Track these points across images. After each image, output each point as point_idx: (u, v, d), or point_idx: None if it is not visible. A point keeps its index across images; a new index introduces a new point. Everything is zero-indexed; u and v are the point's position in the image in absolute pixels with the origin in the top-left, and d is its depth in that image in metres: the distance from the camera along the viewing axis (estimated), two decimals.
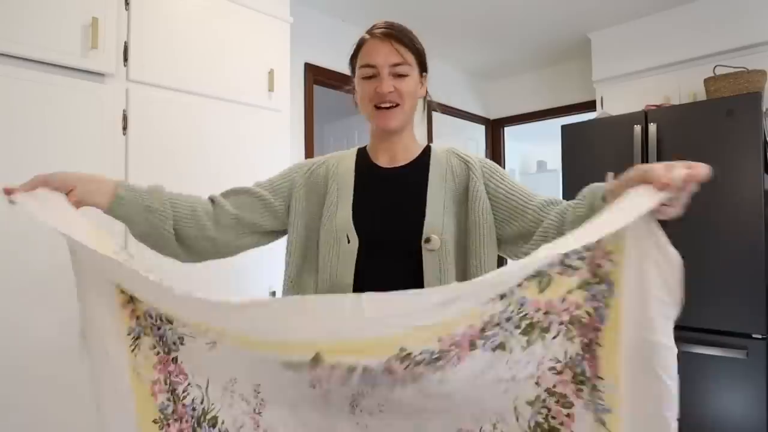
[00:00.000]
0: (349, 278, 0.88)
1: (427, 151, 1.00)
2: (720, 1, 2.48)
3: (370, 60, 0.90)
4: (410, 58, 0.92)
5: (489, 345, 0.63)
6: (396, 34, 0.90)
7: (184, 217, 0.88)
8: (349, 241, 0.89)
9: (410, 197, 0.93)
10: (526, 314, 0.64)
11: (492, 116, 3.99)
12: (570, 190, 2.57)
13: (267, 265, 1.80)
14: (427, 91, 1.03)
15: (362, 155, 1.02)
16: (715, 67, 2.36)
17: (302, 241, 0.96)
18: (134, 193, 0.85)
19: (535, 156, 6.50)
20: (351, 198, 0.94)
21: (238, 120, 1.75)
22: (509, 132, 4.10)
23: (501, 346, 0.64)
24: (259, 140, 1.81)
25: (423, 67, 0.97)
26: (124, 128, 1.47)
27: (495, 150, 4.00)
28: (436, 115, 3.46)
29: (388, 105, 0.90)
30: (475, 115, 3.86)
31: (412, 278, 0.88)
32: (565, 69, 3.51)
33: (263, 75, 1.84)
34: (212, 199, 0.96)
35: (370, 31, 0.93)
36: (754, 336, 1.99)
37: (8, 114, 1.25)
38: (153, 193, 0.87)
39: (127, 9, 1.48)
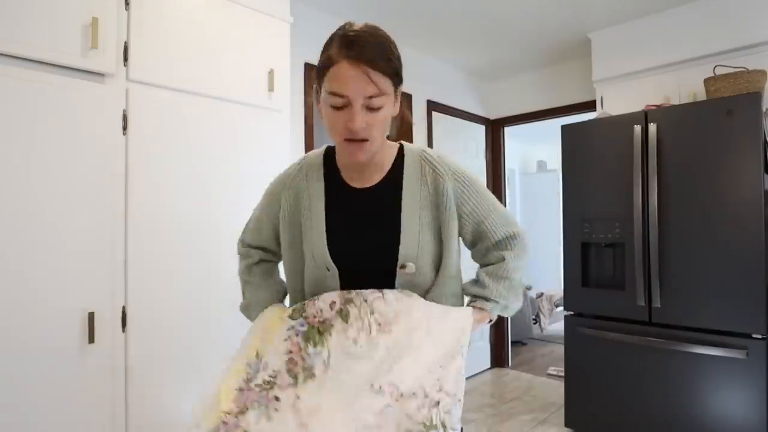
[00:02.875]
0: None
1: (399, 161, 0.94)
2: (720, 1, 2.48)
3: (341, 89, 0.77)
4: (386, 85, 0.80)
5: None
6: (371, 58, 0.77)
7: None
8: (329, 270, 0.91)
9: (383, 222, 0.90)
10: None
11: (492, 116, 3.99)
12: (570, 190, 2.58)
13: None
14: (401, 105, 0.91)
15: (330, 167, 0.96)
16: (715, 67, 2.36)
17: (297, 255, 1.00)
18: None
19: (535, 156, 6.50)
20: (323, 221, 0.91)
21: (238, 120, 1.75)
22: (509, 132, 4.10)
23: None
24: (259, 140, 1.81)
25: (398, 83, 0.85)
26: (124, 128, 1.47)
27: (495, 150, 4.00)
28: (436, 114, 3.46)
29: (359, 139, 0.81)
30: (475, 115, 3.86)
31: None
32: (565, 69, 3.51)
33: (263, 75, 1.84)
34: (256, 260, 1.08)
35: (339, 47, 0.78)
36: (754, 336, 1.99)
37: (8, 114, 1.25)
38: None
39: (127, 9, 1.48)
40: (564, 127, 2.62)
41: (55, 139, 1.32)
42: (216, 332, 1.64)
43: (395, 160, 0.94)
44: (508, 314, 1.00)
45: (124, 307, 1.44)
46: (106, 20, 1.42)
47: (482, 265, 1.01)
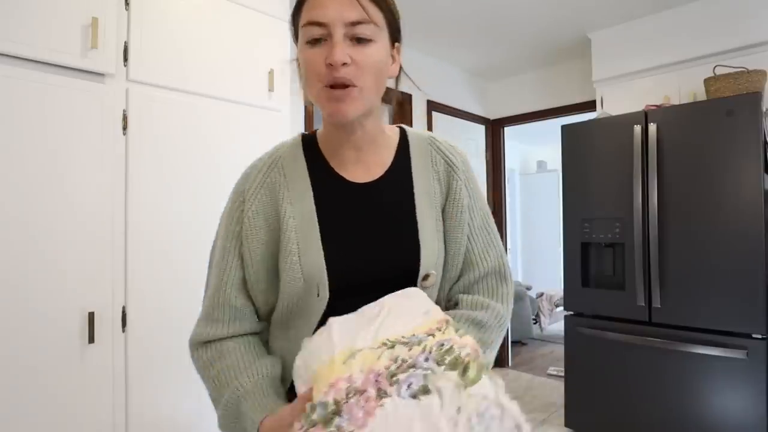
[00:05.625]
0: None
1: (404, 147, 0.76)
2: (720, 1, 2.48)
3: (316, 15, 0.62)
4: (377, 15, 0.64)
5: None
6: None
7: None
8: (318, 294, 0.67)
9: (397, 224, 0.71)
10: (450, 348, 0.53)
11: (492, 116, 3.99)
12: (570, 190, 2.58)
13: None
14: (401, 69, 0.74)
15: (314, 156, 0.74)
16: (715, 67, 2.36)
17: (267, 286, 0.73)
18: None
19: (535, 156, 6.50)
20: (317, 232, 0.68)
21: (238, 120, 1.75)
22: (509, 132, 4.10)
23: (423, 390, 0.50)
24: (259, 140, 1.81)
25: (395, 35, 0.70)
26: (124, 128, 1.47)
27: (495, 150, 4.00)
28: (436, 114, 3.46)
29: (341, 85, 0.62)
30: (475, 115, 3.86)
31: None
32: (565, 69, 3.51)
33: (263, 75, 1.84)
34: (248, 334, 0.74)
35: None
36: (754, 336, 1.99)
37: (8, 114, 1.25)
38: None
39: (127, 9, 1.48)
40: (564, 127, 2.62)
41: (55, 139, 1.32)
42: None
43: (398, 145, 0.77)
44: None
45: (124, 307, 1.44)
46: (106, 20, 1.42)
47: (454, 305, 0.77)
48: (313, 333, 0.66)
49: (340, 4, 0.61)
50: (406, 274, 0.69)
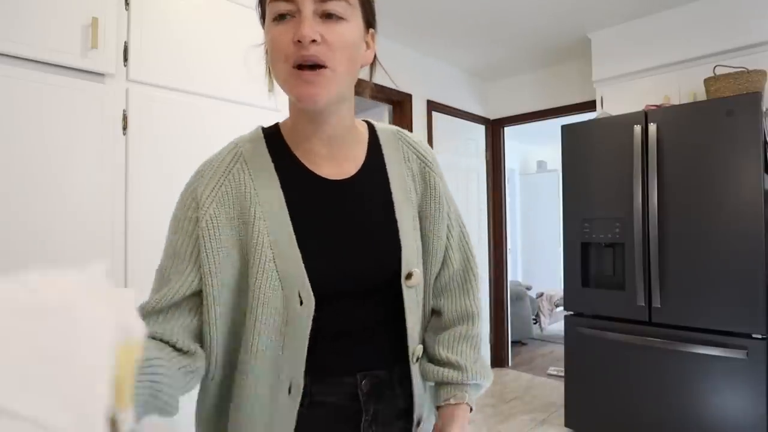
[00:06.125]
0: (303, 354, 0.62)
1: (375, 142, 0.74)
2: (720, 1, 2.48)
3: None
4: None
5: None
6: None
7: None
8: (301, 302, 0.61)
9: (376, 223, 0.68)
10: None
11: (492, 116, 3.99)
12: (570, 190, 2.58)
13: None
14: (375, 58, 0.70)
15: (280, 151, 0.69)
16: (715, 67, 2.36)
17: (228, 310, 0.63)
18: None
19: (535, 156, 6.50)
20: (291, 233, 0.63)
21: (238, 120, 1.75)
22: (509, 132, 4.11)
23: None
24: None
25: (370, 19, 0.66)
26: (124, 128, 1.47)
27: (495, 150, 4.00)
28: (436, 114, 3.46)
29: (310, 65, 0.58)
30: (475, 115, 3.86)
31: (390, 323, 0.70)
32: (565, 69, 3.51)
33: (263, 75, 1.84)
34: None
35: None
36: (754, 336, 1.99)
37: (8, 114, 1.25)
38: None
39: (127, 9, 1.48)
40: (564, 127, 2.62)
41: (54, 139, 1.32)
42: None
43: (369, 140, 0.74)
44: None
45: None
46: (106, 20, 1.42)
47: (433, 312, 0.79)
48: (307, 351, 0.62)
49: None
50: (388, 275, 0.67)
